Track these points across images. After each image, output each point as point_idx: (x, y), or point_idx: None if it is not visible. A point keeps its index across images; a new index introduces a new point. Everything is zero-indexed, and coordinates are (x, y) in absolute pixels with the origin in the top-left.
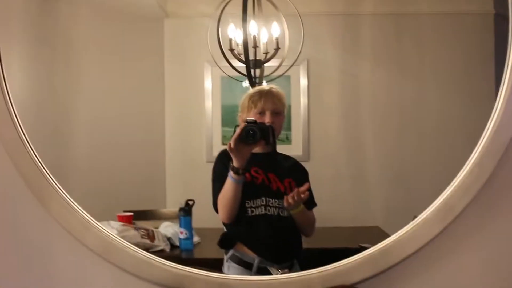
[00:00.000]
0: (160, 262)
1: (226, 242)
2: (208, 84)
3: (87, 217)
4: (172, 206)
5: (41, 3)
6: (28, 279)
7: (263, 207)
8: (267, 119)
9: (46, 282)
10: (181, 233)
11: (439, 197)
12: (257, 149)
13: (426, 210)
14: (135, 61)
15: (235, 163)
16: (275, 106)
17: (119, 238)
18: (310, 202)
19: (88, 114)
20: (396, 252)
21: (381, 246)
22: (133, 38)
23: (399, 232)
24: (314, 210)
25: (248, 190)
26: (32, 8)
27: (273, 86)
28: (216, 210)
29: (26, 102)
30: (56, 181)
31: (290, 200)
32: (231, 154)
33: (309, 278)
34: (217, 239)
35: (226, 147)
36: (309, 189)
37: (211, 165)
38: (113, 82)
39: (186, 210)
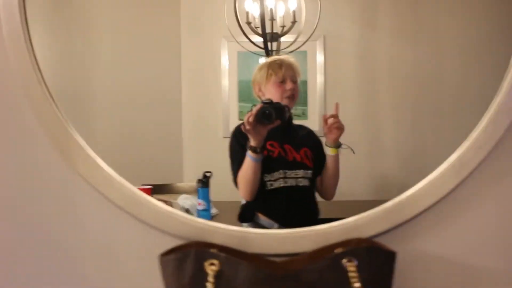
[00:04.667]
0: (182, 216)
1: (245, 215)
2: (224, 59)
3: (111, 173)
4: (189, 180)
5: None
6: (54, 234)
7: (281, 180)
8: (288, 86)
9: (72, 236)
10: (199, 204)
11: (454, 153)
12: None
13: (440, 166)
14: (152, 37)
15: (252, 143)
16: (294, 73)
17: (142, 193)
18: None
19: (106, 89)
20: (411, 207)
21: (396, 200)
22: (150, 14)
23: (413, 187)
24: None
25: (266, 164)
26: None
27: (287, 56)
28: (237, 187)
29: (47, 72)
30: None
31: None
32: (248, 134)
33: (327, 232)
34: (234, 211)
35: (242, 122)
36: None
37: (227, 140)
38: (131, 57)
39: (204, 181)
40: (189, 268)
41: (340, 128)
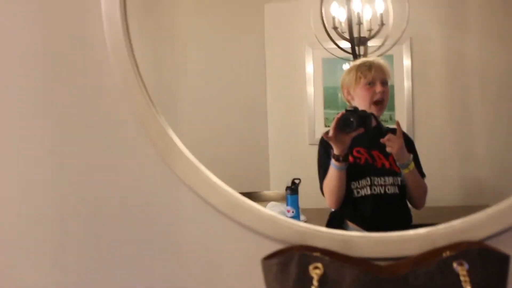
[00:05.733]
0: (284, 220)
1: (334, 222)
2: (309, 66)
3: (211, 176)
4: (276, 188)
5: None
6: (155, 237)
7: (368, 187)
8: (378, 89)
9: (172, 240)
10: (288, 211)
11: None
12: None
13: None
14: (236, 47)
15: (335, 151)
16: (384, 75)
17: (244, 197)
18: (418, 171)
19: (191, 99)
20: None
21: (508, 202)
22: (234, 23)
23: None
24: None
25: (352, 171)
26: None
27: (375, 58)
28: (323, 195)
29: None
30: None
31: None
32: (330, 142)
33: (433, 235)
34: (322, 219)
35: (328, 129)
36: (417, 159)
37: (313, 148)
38: (215, 68)
39: (293, 188)
40: (293, 272)
41: (392, 150)
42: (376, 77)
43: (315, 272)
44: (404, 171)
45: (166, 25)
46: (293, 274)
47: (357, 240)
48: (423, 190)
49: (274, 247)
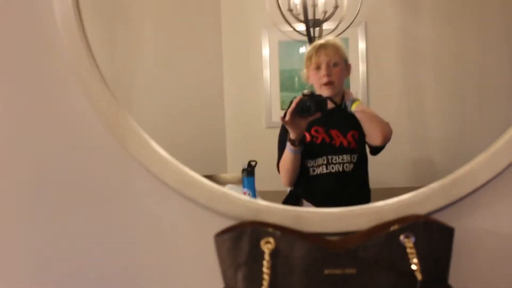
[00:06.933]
0: (236, 196)
1: (290, 201)
2: (265, 49)
3: (164, 154)
4: (233, 171)
5: None
6: (106, 215)
7: (324, 166)
8: (322, 72)
9: (124, 217)
10: (245, 193)
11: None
12: None
13: (497, 141)
14: (193, 29)
15: (291, 135)
16: (329, 57)
17: (196, 174)
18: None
19: (148, 82)
20: (468, 182)
21: (453, 176)
22: (190, 5)
23: (470, 162)
24: (376, 170)
25: (309, 150)
26: None
27: (330, 38)
28: (279, 172)
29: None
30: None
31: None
32: (286, 126)
33: (381, 209)
34: (279, 201)
35: (284, 112)
36: None
37: (270, 131)
38: (171, 51)
39: (249, 170)
40: (245, 246)
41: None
42: (321, 61)
43: (267, 246)
44: (353, 108)
45: (121, 9)
46: (245, 248)
47: (308, 215)
48: (378, 120)
49: (227, 223)
